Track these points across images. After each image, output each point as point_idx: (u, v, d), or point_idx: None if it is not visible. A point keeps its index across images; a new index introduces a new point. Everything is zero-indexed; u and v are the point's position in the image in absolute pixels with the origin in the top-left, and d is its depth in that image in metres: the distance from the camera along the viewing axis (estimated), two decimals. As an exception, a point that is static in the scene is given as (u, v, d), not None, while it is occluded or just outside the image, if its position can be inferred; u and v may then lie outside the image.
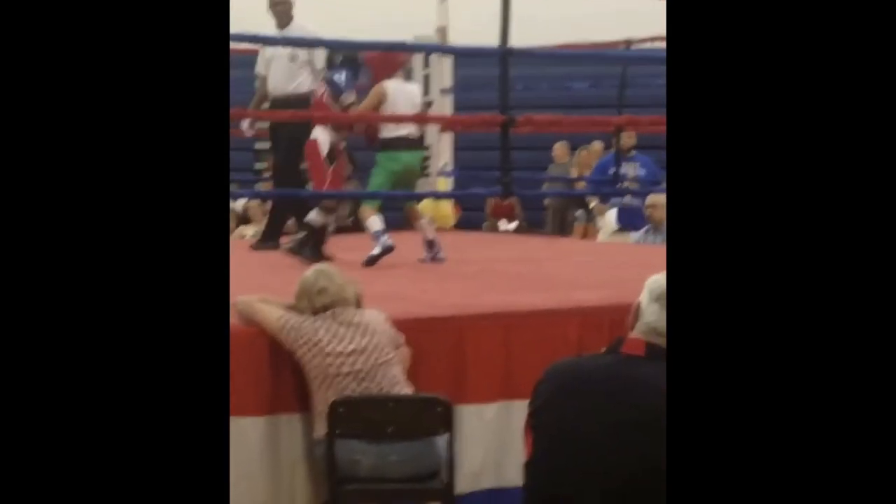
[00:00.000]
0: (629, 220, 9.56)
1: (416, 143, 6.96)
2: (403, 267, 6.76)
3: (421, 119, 7.50)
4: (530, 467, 2.73)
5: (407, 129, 6.83)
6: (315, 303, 4.50)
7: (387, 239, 6.67)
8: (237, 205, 10.37)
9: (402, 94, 6.86)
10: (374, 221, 6.74)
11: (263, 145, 14.10)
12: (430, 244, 6.98)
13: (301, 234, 7.01)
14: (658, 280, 2.71)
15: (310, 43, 7.25)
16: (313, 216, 6.94)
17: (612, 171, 8.98)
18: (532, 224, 13.16)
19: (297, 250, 6.81)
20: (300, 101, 7.54)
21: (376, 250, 6.66)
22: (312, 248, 6.84)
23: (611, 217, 10.05)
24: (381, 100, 6.80)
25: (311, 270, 4.62)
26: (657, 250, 7.82)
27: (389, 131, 6.80)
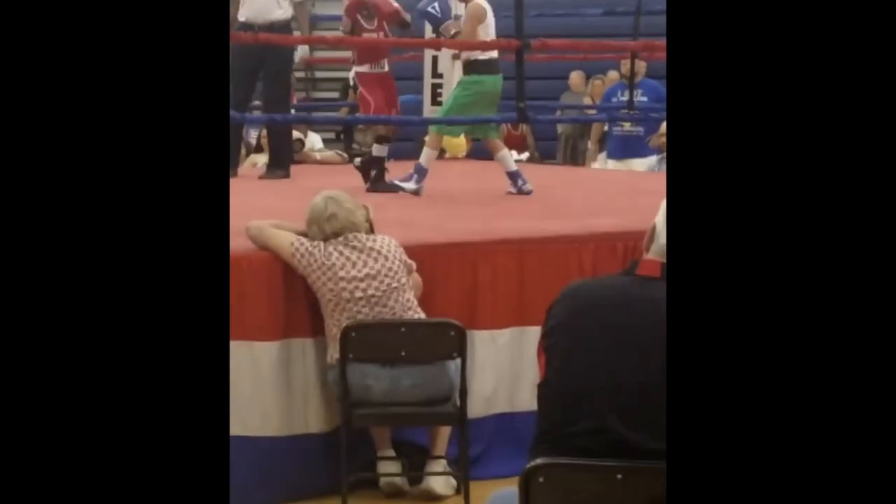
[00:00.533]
0: (630, 149, 9.51)
1: (498, 67, 6.79)
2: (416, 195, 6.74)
3: (434, 44, 7.45)
4: (543, 388, 2.72)
5: (492, 53, 6.75)
6: (325, 229, 4.49)
7: (418, 184, 6.66)
8: (250, 136, 10.36)
9: (489, 10, 6.79)
10: (428, 155, 6.75)
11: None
12: (513, 176, 6.86)
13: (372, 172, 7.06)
14: (674, 201, 2.69)
15: None
16: (376, 150, 7.02)
17: (616, 98, 8.93)
18: (544, 155, 13.11)
19: (379, 188, 6.83)
20: (283, 28, 7.58)
21: (407, 185, 6.69)
22: (381, 180, 6.93)
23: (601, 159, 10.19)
24: (481, 19, 6.69)
25: (320, 197, 4.61)
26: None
27: (476, 54, 6.71)
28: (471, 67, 6.75)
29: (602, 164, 10.33)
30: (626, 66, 9.29)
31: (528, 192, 6.75)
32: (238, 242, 4.59)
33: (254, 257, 4.49)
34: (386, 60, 7.24)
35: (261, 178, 7.83)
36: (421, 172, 6.67)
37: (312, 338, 4.57)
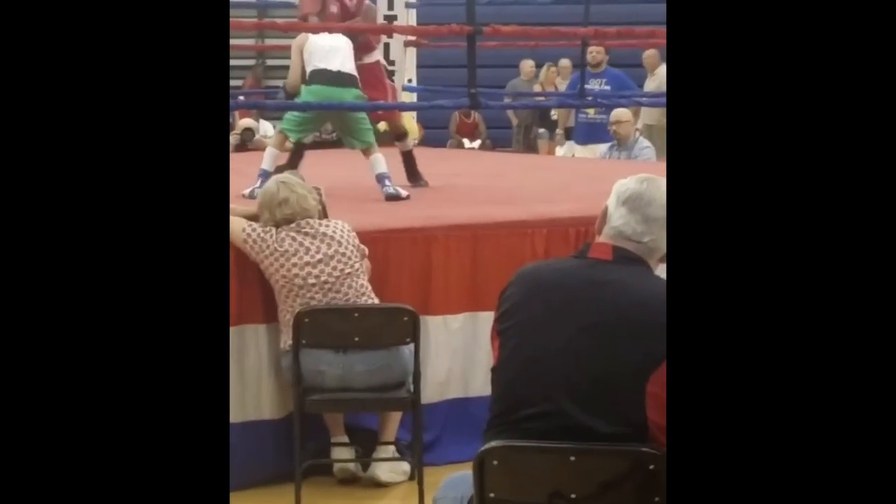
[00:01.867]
0: (593, 135, 9.60)
1: (344, 81, 6.22)
2: (366, 180, 6.73)
3: (387, 30, 7.42)
4: (497, 371, 2.72)
5: (336, 65, 6.22)
6: (276, 214, 4.47)
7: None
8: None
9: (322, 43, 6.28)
10: (271, 155, 6.22)
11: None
12: (380, 178, 6.18)
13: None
14: (626, 184, 2.70)
15: None
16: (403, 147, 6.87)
17: (578, 86, 8.97)
18: (496, 143, 13.14)
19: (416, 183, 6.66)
20: None
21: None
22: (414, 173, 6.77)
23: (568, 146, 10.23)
24: (301, 46, 6.32)
25: (273, 181, 4.60)
26: (623, 165, 7.84)
27: (315, 62, 6.22)
28: (310, 77, 6.24)
29: (568, 149, 10.47)
30: (591, 54, 9.36)
31: (402, 197, 6.06)
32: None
33: (206, 243, 4.46)
34: (376, 51, 7.07)
35: None
36: (264, 175, 5.84)
37: (265, 324, 4.56)
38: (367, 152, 6.24)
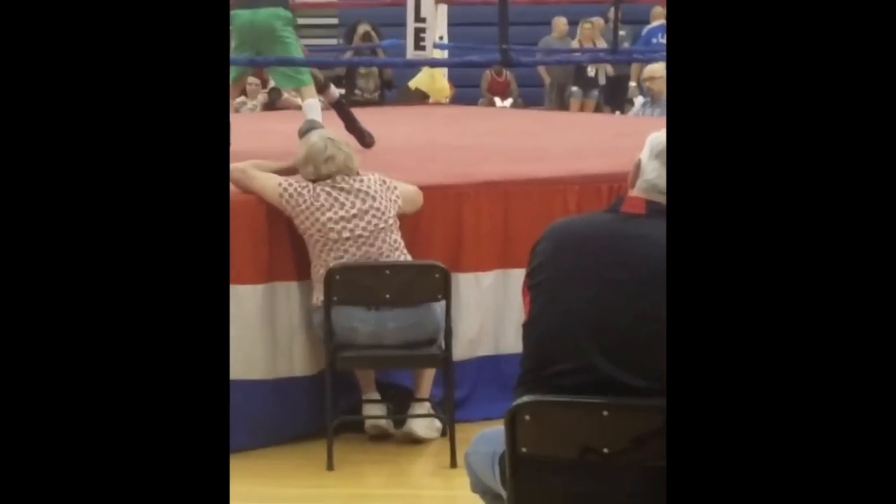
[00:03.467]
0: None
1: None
2: (399, 138, 6.71)
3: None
4: (528, 327, 2.71)
5: None
6: (321, 170, 4.48)
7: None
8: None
9: None
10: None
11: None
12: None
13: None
14: (659, 136, 2.66)
15: None
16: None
17: (657, 39, 8.90)
18: (528, 101, 13.08)
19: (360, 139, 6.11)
20: None
21: None
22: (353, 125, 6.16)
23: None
24: None
25: (318, 137, 4.58)
26: (656, 122, 7.79)
27: None
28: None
29: (640, 107, 10.23)
30: (656, 10, 9.28)
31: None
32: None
33: (237, 200, 4.45)
34: None
35: None
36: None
37: (297, 281, 4.56)
38: (303, 94, 5.74)
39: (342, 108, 6.26)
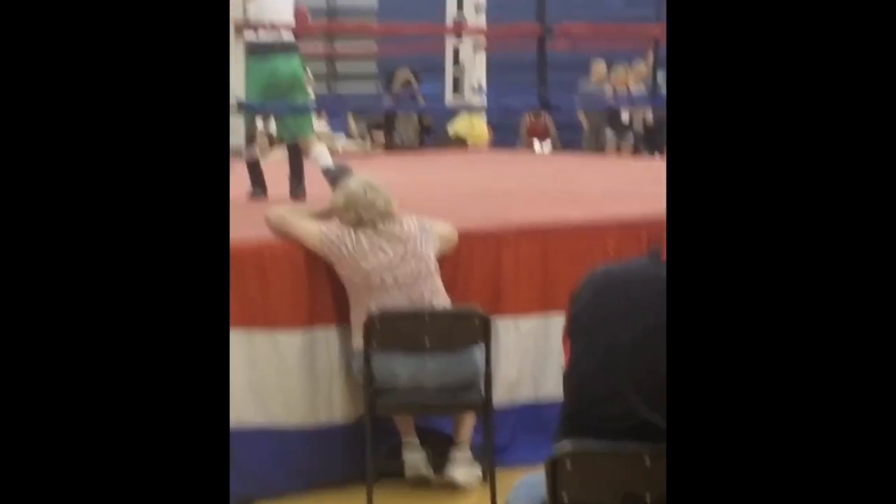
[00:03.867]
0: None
1: (275, 48, 5.78)
2: (438, 184, 6.73)
3: (456, 31, 7.42)
4: (569, 373, 2.70)
5: (275, 34, 5.80)
6: (362, 216, 4.48)
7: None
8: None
9: None
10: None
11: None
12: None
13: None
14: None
15: None
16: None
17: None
18: (566, 145, 13.09)
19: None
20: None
21: None
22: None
23: None
24: None
25: (358, 183, 4.59)
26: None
27: (250, 36, 5.67)
28: (248, 51, 5.66)
29: None
30: None
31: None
32: (260, 232, 4.59)
33: (276, 246, 4.49)
34: None
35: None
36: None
37: (336, 326, 4.56)
38: (307, 146, 5.75)
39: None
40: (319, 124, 9.92)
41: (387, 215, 4.50)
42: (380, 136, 10.38)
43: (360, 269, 4.42)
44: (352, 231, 4.48)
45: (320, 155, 5.73)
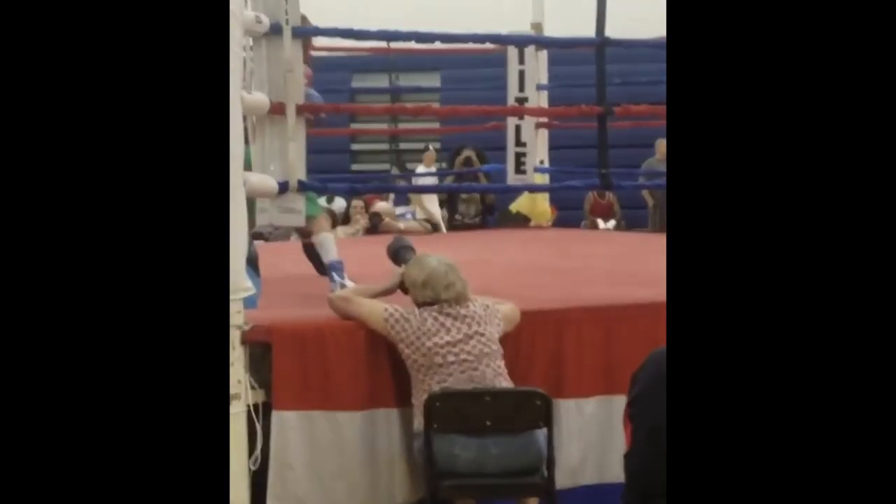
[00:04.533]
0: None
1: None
2: (500, 262, 6.71)
3: (518, 111, 7.44)
4: (630, 457, 2.67)
5: None
6: (440, 295, 4.48)
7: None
8: (336, 206, 10.47)
9: None
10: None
11: (360, 146, 14.26)
12: (332, 267, 5.35)
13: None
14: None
15: (393, 37, 6.28)
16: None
17: None
18: (631, 223, 13.05)
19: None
20: None
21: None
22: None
23: None
24: None
25: (438, 262, 4.58)
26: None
27: None
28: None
29: None
30: None
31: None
32: (320, 311, 4.59)
33: (336, 326, 4.48)
34: None
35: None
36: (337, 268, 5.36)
37: (397, 408, 4.53)
38: (316, 224, 5.40)
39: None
40: (383, 202, 9.99)
41: (462, 298, 4.49)
42: (443, 213, 10.45)
43: (423, 348, 4.39)
44: (416, 310, 4.47)
45: (325, 242, 5.38)
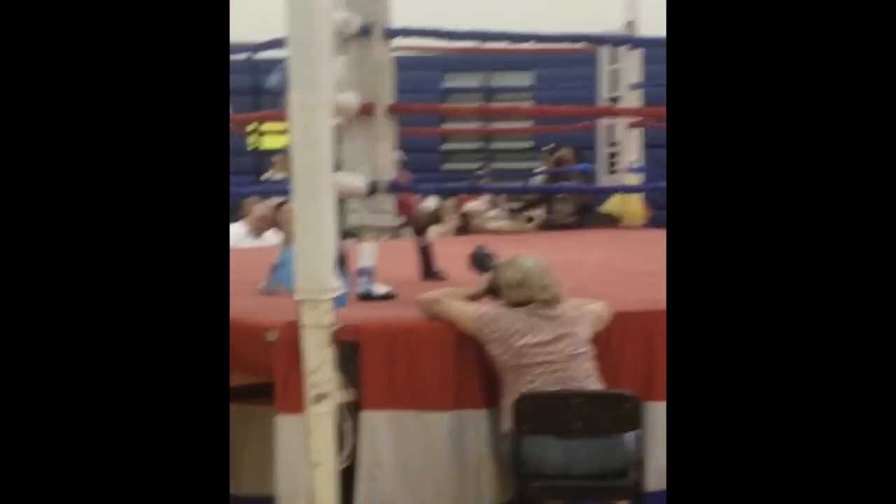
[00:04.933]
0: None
1: None
2: (589, 263, 6.67)
3: (610, 112, 7.40)
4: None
5: None
6: (536, 296, 4.47)
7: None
8: (429, 204, 10.46)
9: None
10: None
11: (451, 146, 14.25)
12: (360, 272, 5.29)
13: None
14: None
15: (486, 36, 6.31)
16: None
17: None
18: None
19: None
20: None
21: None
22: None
23: None
24: None
25: (535, 264, 4.56)
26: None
27: None
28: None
29: None
30: None
31: (379, 296, 5.23)
32: (409, 312, 4.59)
33: (424, 326, 4.48)
34: None
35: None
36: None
37: (486, 409, 4.52)
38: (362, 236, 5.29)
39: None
40: (473, 202, 9.95)
41: (556, 300, 4.48)
42: (535, 213, 10.40)
43: (513, 349, 4.38)
44: (507, 311, 4.46)
45: (366, 250, 5.29)
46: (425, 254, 6.07)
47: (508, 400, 4.39)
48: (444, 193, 6.41)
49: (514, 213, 10.52)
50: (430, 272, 6.01)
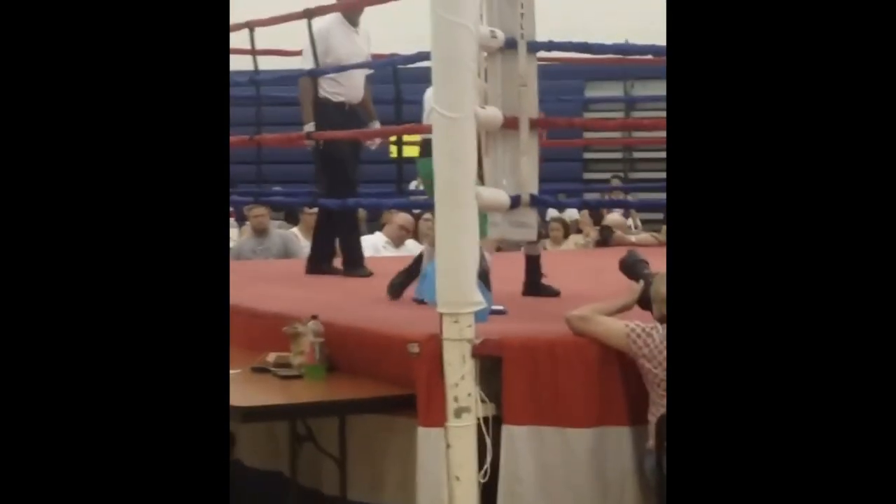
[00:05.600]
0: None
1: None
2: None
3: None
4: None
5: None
6: None
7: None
8: (568, 215, 10.42)
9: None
10: None
11: (593, 155, 14.18)
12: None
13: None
14: None
15: (630, 50, 6.00)
16: None
17: None
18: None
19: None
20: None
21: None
22: None
23: None
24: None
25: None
26: None
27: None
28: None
29: None
30: None
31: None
32: (551, 327, 4.56)
33: (567, 341, 4.44)
34: None
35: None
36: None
37: (629, 426, 4.47)
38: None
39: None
40: (614, 214, 9.87)
41: None
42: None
43: (663, 363, 4.31)
44: (658, 325, 4.39)
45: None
46: (531, 265, 5.87)
47: (655, 416, 4.33)
48: (585, 208, 6.36)
49: (654, 224, 10.42)
50: (534, 286, 5.82)
